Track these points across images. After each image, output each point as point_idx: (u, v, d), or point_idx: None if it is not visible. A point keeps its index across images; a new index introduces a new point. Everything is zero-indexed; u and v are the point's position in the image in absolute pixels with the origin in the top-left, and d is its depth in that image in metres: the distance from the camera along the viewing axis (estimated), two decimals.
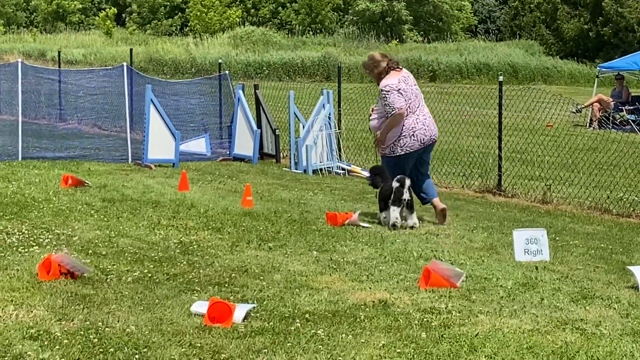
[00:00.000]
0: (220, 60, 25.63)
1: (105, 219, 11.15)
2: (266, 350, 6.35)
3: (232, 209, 12.29)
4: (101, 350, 6.22)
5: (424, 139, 11.91)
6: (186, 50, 56.17)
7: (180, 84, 25.16)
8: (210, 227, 10.90)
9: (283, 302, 7.67)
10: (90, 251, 9.32)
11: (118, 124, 22.84)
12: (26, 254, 9.04)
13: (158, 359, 6.09)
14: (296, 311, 7.39)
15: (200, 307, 7.20)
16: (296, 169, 17.86)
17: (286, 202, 13.34)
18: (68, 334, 6.54)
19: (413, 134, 11.87)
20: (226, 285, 8.19)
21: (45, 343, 6.32)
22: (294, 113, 18.61)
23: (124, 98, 19.39)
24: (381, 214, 11.66)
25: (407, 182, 11.49)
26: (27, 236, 9.85)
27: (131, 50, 27.79)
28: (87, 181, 14.03)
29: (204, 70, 47.18)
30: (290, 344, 6.52)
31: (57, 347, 6.24)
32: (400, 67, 12.12)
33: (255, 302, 7.59)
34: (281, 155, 19.35)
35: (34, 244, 9.50)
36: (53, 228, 10.37)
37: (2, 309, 7.05)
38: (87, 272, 8.25)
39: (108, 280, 8.17)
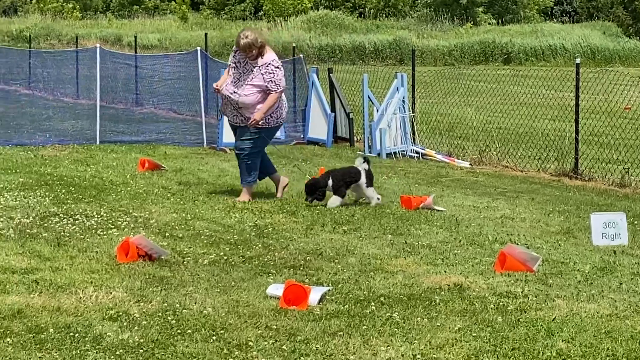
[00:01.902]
0: (294, 44, 25.68)
1: (181, 202, 11.27)
2: (342, 333, 6.37)
3: None
4: (179, 331, 6.30)
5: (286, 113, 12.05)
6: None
7: None
8: (285, 211, 10.95)
9: (358, 285, 7.69)
10: (167, 234, 9.43)
11: (193, 108, 23.02)
12: (105, 236, 9.17)
13: (235, 341, 6.14)
14: (371, 294, 7.40)
15: (276, 289, 7.24)
16: (370, 153, 17.85)
17: None
18: (146, 315, 6.63)
19: (284, 106, 11.90)
20: (301, 268, 8.23)
21: (125, 324, 6.41)
22: (368, 96, 18.59)
23: (199, 82, 19.54)
24: (337, 199, 11.38)
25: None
26: (105, 219, 9.99)
27: (206, 34, 27.94)
28: (163, 165, 14.18)
29: (277, 54, 47.27)
30: (365, 326, 6.54)
31: (136, 328, 6.33)
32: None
33: (330, 285, 7.62)
34: (355, 138, 19.34)
35: (112, 226, 9.63)
36: (130, 211, 10.51)
37: (82, 291, 7.16)
38: (164, 254, 8.35)
39: (185, 262, 8.26)
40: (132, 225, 9.74)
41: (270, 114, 11.58)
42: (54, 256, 8.25)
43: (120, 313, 6.64)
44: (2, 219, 9.71)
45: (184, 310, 6.77)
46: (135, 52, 31.82)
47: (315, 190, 11.31)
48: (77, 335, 6.12)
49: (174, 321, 6.50)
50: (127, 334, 6.19)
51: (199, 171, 14.05)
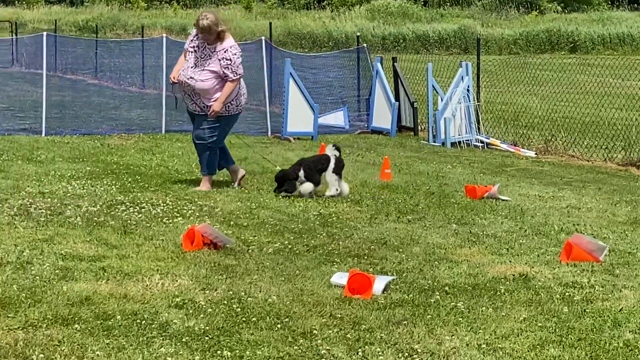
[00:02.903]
0: (358, 34, 25.65)
1: (245, 191, 11.32)
2: (406, 322, 6.37)
3: (370, 181, 12.33)
4: (244, 319, 6.33)
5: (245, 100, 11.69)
6: (323, 24, 56.35)
7: (319, 57, 25.30)
8: (349, 200, 10.95)
9: (422, 274, 7.67)
10: (231, 222, 9.48)
11: (257, 98, 23.06)
12: (170, 224, 9.25)
13: (299, 329, 6.16)
14: (436, 284, 7.39)
15: (340, 278, 7.25)
16: (434, 142, 17.78)
17: (424, 174, 13.32)
18: (212, 303, 6.68)
19: (244, 93, 11.56)
20: (365, 257, 8.23)
21: (190, 311, 6.46)
22: (432, 86, 18.51)
23: (263, 72, 19.59)
24: (309, 185, 11.03)
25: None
26: (171, 207, 10.07)
27: (270, 24, 28.02)
28: None
29: (341, 44, 47.27)
30: (430, 316, 6.53)
31: (202, 315, 6.38)
32: None
33: (394, 274, 7.62)
34: (419, 128, 19.29)
35: (178, 215, 9.71)
36: (196, 200, 10.58)
37: (149, 278, 7.24)
38: (229, 243, 8.40)
39: (249, 251, 8.30)
40: (197, 214, 9.81)
41: (230, 102, 11.29)
42: (120, 244, 8.35)
43: (186, 301, 6.69)
44: (70, 207, 9.84)
45: (249, 299, 6.81)
46: None
47: (284, 182, 11.07)
48: (143, 322, 6.18)
49: (239, 309, 6.54)
50: (193, 321, 6.25)
51: (263, 160, 14.10)
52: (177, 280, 7.21)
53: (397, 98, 19.30)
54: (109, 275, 7.29)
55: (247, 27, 56.48)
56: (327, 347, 5.84)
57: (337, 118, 20.08)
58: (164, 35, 20.44)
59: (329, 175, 11.12)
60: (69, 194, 10.64)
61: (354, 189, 11.68)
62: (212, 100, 11.22)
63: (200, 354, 5.66)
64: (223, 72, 11.09)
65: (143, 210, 9.86)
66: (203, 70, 11.15)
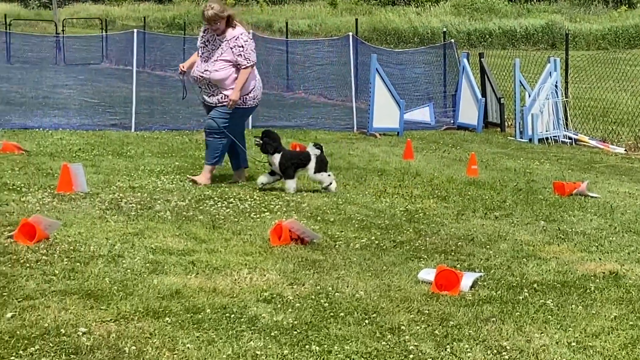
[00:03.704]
0: (444, 29, 25.55)
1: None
2: (494, 319, 6.34)
3: (457, 177, 12.29)
4: (332, 314, 6.36)
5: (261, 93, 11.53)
6: (408, 20, 56.14)
7: (405, 53, 25.24)
8: (435, 196, 10.93)
9: (510, 271, 7.63)
10: (318, 218, 9.52)
11: (343, 94, 23.14)
12: (258, 219, 9.32)
13: (387, 325, 6.17)
14: (524, 281, 7.33)
15: (428, 274, 7.24)
16: (521, 138, 17.64)
17: (511, 171, 13.22)
18: (300, 297, 6.72)
19: (260, 86, 11.43)
20: (452, 253, 8.21)
21: (279, 306, 6.51)
22: (520, 81, 18.36)
23: (350, 68, 19.61)
24: (290, 182, 10.92)
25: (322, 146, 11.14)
26: (258, 202, 10.15)
27: (356, 20, 28.07)
28: None
29: (426, 40, 47.08)
30: (518, 313, 6.49)
31: (290, 310, 6.42)
32: None
33: (482, 270, 7.58)
34: (506, 124, 19.15)
35: (265, 210, 9.78)
36: (283, 195, 10.64)
37: (237, 272, 7.30)
38: (316, 238, 8.43)
39: (336, 246, 8.33)
40: (284, 209, 9.87)
41: (246, 94, 11.23)
42: (209, 238, 8.43)
43: (274, 295, 6.74)
44: (159, 202, 9.97)
45: (336, 294, 6.83)
46: (287, 38, 32.18)
47: (265, 136, 11.01)
48: (232, 316, 6.24)
49: (326, 304, 6.57)
50: (281, 315, 6.29)
51: (349, 156, 14.13)
52: (265, 275, 7.27)
53: (483, 94, 19.19)
54: (198, 269, 7.38)
55: (332, 23, 56.59)
56: (415, 343, 5.84)
57: (423, 114, 20.04)
58: (250, 31, 20.57)
59: (312, 176, 11.05)
60: (158, 189, 10.79)
61: (440, 185, 11.66)
62: (229, 89, 11.16)
63: (289, 348, 5.70)
64: (236, 59, 11.04)
65: (231, 205, 9.95)
66: (216, 60, 11.10)
